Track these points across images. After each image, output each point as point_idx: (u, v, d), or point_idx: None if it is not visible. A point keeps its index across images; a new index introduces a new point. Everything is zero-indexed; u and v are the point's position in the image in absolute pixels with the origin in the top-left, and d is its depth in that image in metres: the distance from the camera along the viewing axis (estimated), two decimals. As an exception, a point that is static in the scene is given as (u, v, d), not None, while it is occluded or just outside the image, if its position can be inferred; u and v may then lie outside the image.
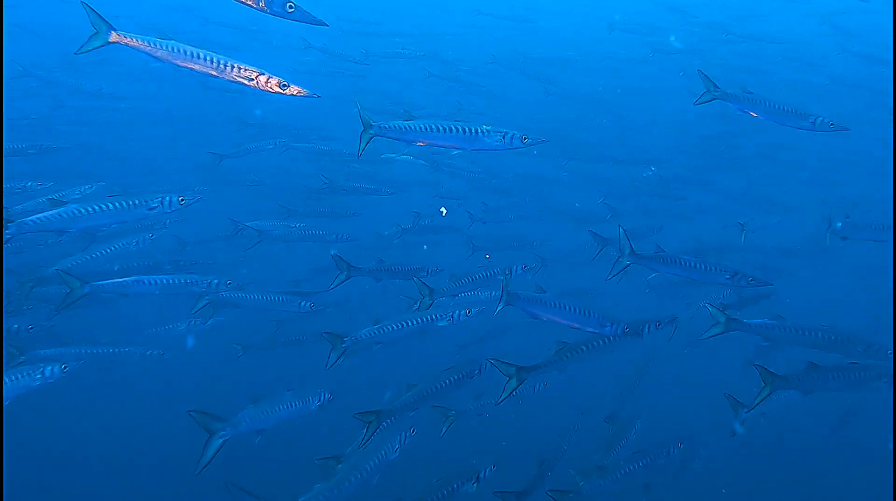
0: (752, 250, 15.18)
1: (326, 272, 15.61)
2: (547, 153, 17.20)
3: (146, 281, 9.41)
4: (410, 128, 7.08)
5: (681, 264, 8.31)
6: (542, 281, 13.59)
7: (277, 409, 8.11)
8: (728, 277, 8.28)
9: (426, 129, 7.09)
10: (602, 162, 17.43)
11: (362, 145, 7.05)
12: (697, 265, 8.30)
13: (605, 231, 13.53)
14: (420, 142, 7.15)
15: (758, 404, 7.26)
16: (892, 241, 11.89)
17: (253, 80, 6.28)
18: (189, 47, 6.11)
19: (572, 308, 7.69)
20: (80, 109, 18.97)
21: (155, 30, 21.65)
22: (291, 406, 8.21)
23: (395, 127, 7.08)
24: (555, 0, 29.71)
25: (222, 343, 12.87)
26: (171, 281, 9.69)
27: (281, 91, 6.29)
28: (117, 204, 7.59)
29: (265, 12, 6.06)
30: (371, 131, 7.04)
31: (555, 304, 7.75)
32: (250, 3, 6.03)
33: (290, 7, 6.01)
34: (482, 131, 7.09)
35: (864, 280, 16.34)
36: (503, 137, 7.11)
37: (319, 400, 8.48)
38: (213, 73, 6.23)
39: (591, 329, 7.68)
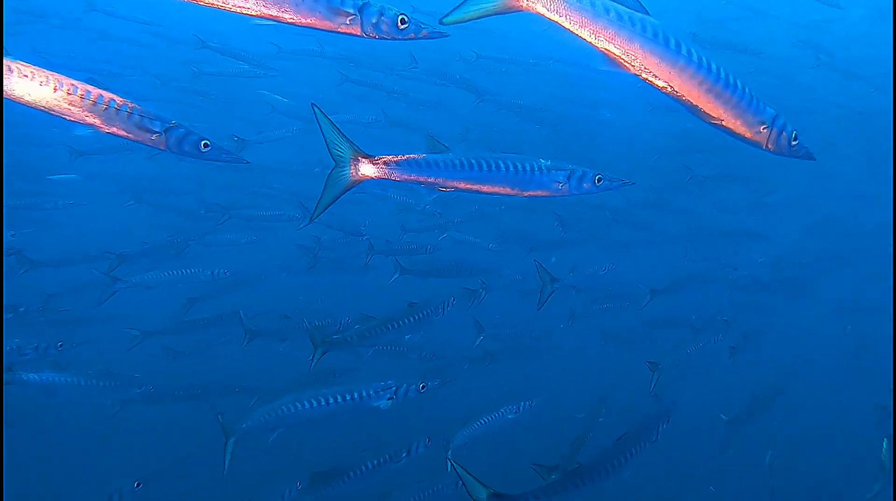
0: (726, 284, 13.29)
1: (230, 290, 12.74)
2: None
3: None
4: (431, 164, 4.51)
5: None
6: (488, 314, 11.31)
7: None
8: None
9: (454, 165, 4.55)
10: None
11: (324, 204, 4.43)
12: None
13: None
14: (445, 187, 4.59)
15: None
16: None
17: (153, 136, 4.20)
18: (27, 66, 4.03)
19: None
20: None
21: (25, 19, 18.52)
22: None
23: (404, 164, 4.44)
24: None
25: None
26: None
27: (200, 153, 4.31)
28: None
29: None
30: (344, 170, 4.34)
31: None
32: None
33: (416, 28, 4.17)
34: (539, 169, 4.81)
35: (843, 319, 14.67)
36: (568, 178, 4.89)
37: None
38: (88, 120, 4.08)
39: None
